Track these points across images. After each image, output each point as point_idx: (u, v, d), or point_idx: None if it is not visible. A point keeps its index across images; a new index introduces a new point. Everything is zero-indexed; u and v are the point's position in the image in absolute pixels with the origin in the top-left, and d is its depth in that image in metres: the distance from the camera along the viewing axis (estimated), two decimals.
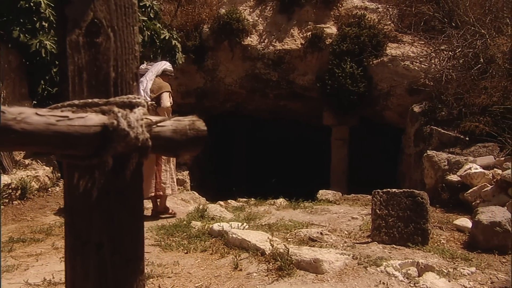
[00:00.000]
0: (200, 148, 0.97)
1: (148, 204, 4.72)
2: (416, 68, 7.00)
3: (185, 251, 3.26)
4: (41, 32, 5.10)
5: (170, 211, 4.64)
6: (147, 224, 3.98)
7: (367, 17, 7.81)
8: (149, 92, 4.36)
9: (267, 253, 2.94)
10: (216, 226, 3.61)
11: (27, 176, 4.90)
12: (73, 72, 0.89)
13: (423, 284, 2.51)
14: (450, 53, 6.62)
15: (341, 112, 7.68)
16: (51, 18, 5.03)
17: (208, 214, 4.32)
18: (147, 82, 4.40)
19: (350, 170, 8.06)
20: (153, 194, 4.43)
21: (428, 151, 5.39)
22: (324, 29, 7.88)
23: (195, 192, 5.98)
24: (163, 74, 4.59)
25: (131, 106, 0.88)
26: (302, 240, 3.37)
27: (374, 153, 8.84)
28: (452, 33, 6.62)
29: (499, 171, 4.29)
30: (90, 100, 0.86)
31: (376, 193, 3.40)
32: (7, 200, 4.56)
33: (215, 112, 8.91)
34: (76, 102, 0.85)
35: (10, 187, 4.61)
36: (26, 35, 5.00)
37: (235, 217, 4.32)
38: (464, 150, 5.48)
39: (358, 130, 8.10)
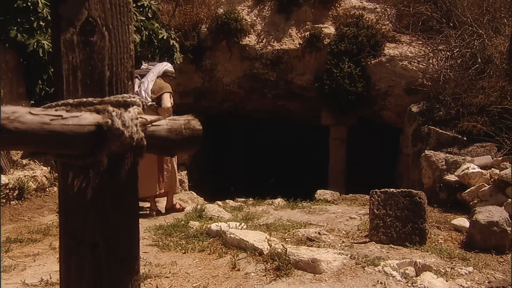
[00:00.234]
0: (196, 148, 0.96)
1: (146, 204, 4.73)
2: (414, 68, 7.01)
3: (183, 251, 3.25)
4: (38, 31, 5.09)
5: (178, 206, 4.71)
6: (145, 224, 3.98)
7: (365, 17, 7.81)
8: (150, 93, 4.38)
9: (265, 253, 2.93)
10: (214, 226, 3.60)
11: (25, 176, 4.89)
12: (67, 71, 0.89)
13: (420, 284, 2.52)
14: (448, 53, 6.63)
15: (339, 112, 7.68)
16: (49, 17, 5.01)
17: (206, 214, 4.32)
18: (148, 83, 4.43)
19: (348, 170, 8.06)
20: (156, 192, 4.50)
21: (426, 151, 5.39)
22: (322, 29, 7.88)
23: (193, 192, 5.98)
24: (164, 75, 4.62)
25: (126, 105, 0.87)
26: (300, 240, 3.37)
27: (372, 153, 8.84)
28: (450, 33, 6.63)
29: (497, 171, 4.30)
30: (84, 99, 0.86)
31: (374, 193, 3.40)
32: (4, 200, 4.54)
33: (213, 112, 8.91)
34: (70, 101, 0.85)
35: (7, 187, 4.60)
36: (24, 34, 4.98)
37: (233, 217, 4.32)
38: (461, 150, 5.48)
39: (356, 130, 8.11)
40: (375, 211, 3.34)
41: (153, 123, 0.90)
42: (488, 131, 5.15)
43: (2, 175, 4.64)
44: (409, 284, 2.53)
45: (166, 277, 2.77)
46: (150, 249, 3.32)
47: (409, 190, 3.41)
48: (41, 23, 5.10)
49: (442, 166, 5.00)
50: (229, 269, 2.84)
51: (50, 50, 4.92)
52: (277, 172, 8.92)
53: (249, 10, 8.32)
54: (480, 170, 4.48)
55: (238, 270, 2.82)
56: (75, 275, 0.91)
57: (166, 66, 4.72)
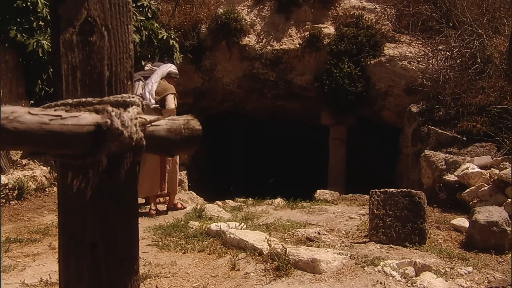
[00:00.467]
0: (195, 147, 0.96)
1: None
2: (414, 68, 7.01)
3: (183, 251, 3.25)
4: (38, 31, 5.09)
5: (179, 206, 4.75)
6: (144, 224, 3.98)
7: (365, 17, 7.81)
8: (154, 94, 4.39)
9: (265, 253, 2.93)
10: (213, 226, 3.60)
11: (24, 176, 4.89)
12: (66, 71, 0.89)
13: (420, 284, 2.52)
14: (448, 53, 6.63)
15: (339, 112, 7.68)
16: (48, 17, 5.01)
17: (205, 214, 4.32)
18: (152, 84, 4.45)
19: (348, 170, 8.06)
20: (158, 192, 4.54)
21: (425, 151, 5.39)
22: (322, 29, 7.88)
23: (193, 192, 5.97)
24: (168, 77, 4.63)
25: (125, 105, 0.87)
26: (300, 240, 3.37)
27: (372, 153, 8.84)
28: (450, 33, 6.63)
29: (496, 171, 4.30)
30: (83, 99, 0.86)
31: (374, 193, 3.40)
32: (4, 200, 4.54)
33: (213, 112, 8.91)
34: (69, 101, 0.85)
35: (7, 187, 4.59)
36: (23, 34, 4.98)
37: (233, 217, 4.32)
38: (461, 150, 5.48)
39: (356, 130, 8.11)
40: (375, 211, 3.34)
41: (153, 123, 0.90)
42: (488, 131, 5.15)
43: (1, 175, 4.64)
44: (409, 284, 2.53)
45: (166, 277, 2.77)
46: (149, 249, 3.32)
47: (408, 190, 3.42)
48: (40, 23, 5.10)
49: (441, 166, 5.00)
50: (229, 269, 2.84)
51: (50, 50, 4.92)
52: (276, 172, 8.92)
53: (248, 10, 8.32)
54: (479, 170, 4.48)
55: (238, 270, 2.82)
56: (74, 275, 0.91)
57: (170, 67, 4.74)
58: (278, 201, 5.22)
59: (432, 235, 3.49)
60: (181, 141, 0.92)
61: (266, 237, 3.13)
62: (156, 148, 0.93)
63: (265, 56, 8.01)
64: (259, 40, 8.11)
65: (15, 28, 4.94)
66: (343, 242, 3.37)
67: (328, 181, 7.85)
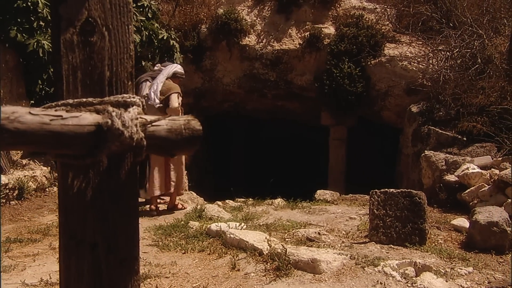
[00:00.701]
0: (196, 148, 0.96)
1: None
2: (414, 68, 7.01)
3: (183, 251, 3.25)
4: (38, 31, 5.09)
5: (179, 206, 4.76)
6: (144, 224, 3.98)
7: (365, 17, 7.82)
8: (159, 94, 4.44)
9: (265, 253, 2.93)
10: (214, 226, 3.60)
11: (25, 176, 4.89)
12: (67, 71, 0.89)
13: (420, 284, 2.51)
14: (448, 54, 6.63)
15: (339, 112, 7.68)
16: (49, 17, 5.01)
17: (206, 214, 4.32)
18: (158, 84, 4.50)
19: (348, 170, 8.06)
20: (163, 191, 4.57)
21: (425, 151, 5.39)
22: (322, 29, 7.89)
23: (193, 192, 5.96)
24: (174, 77, 4.68)
25: (126, 105, 0.87)
26: (300, 240, 3.37)
27: (372, 153, 8.85)
28: (450, 34, 6.63)
29: (497, 171, 4.30)
30: (84, 100, 0.86)
31: (374, 193, 3.40)
32: (4, 200, 4.54)
33: (213, 112, 8.91)
34: (70, 101, 0.85)
35: (7, 187, 4.59)
36: (24, 34, 4.98)
37: (233, 217, 4.32)
38: (461, 150, 5.48)
39: (356, 130, 8.11)
40: (375, 211, 3.34)
41: (153, 123, 0.90)
42: (488, 131, 5.15)
43: (2, 175, 4.64)
44: (409, 285, 2.53)
45: (166, 277, 2.77)
46: (149, 249, 3.32)
47: (409, 190, 3.41)
48: (41, 23, 5.10)
49: (442, 166, 5.00)
50: (229, 269, 2.84)
51: (50, 50, 4.92)
52: (277, 172, 8.92)
53: (249, 10, 8.33)
54: (480, 170, 4.48)
55: (238, 270, 2.82)
56: (74, 275, 0.91)
57: (176, 67, 4.79)
58: (278, 201, 5.22)
59: (432, 236, 3.49)
60: (181, 141, 0.92)
61: (266, 237, 3.13)
62: (156, 149, 0.93)
63: (265, 56, 8.01)
64: (259, 40, 8.11)
65: (15, 28, 4.95)
66: (343, 242, 3.37)
67: (328, 181, 7.85)
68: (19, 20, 5.01)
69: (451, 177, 4.80)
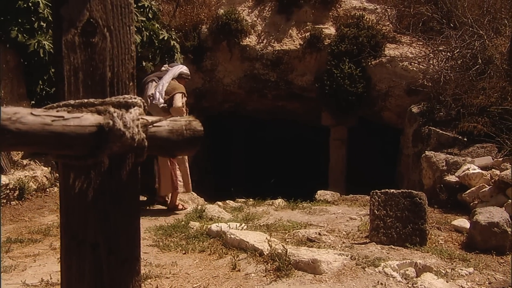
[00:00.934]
0: (197, 149, 0.97)
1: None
2: (415, 68, 7.01)
3: (183, 252, 3.25)
4: (39, 32, 5.09)
5: (180, 207, 4.80)
6: (145, 225, 3.98)
7: (365, 17, 7.81)
8: (163, 94, 4.49)
9: (265, 254, 2.94)
10: (214, 227, 3.60)
11: (25, 176, 4.89)
12: (69, 72, 0.89)
13: (421, 285, 2.51)
14: (448, 54, 6.63)
15: (340, 112, 7.68)
16: (50, 18, 5.02)
17: (206, 214, 4.32)
18: (163, 84, 4.56)
19: (349, 171, 8.06)
20: (171, 191, 4.67)
21: (426, 151, 5.39)
22: (323, 29, 7.89)
23: (193, 193, 5.96)
24: (180, 77, 4.75)
25: (127, 106, 0.87)
26: (300, 241, 3.37)
27: (373, 154, 8.84)
28: (450, 34, 6.63)
29: (497, 172, 4.30)
30: (85, 100, 0.86)
31: (375, 193, 3.40)
32: (5, 201, 4.55)
33: (214, 112, 8.91)
34: (71, 102, 0.85)
35: (8, 187, 4.60)
36: (24, 35, 4.99)
37: (233, 217, 4.32)
38: (462, 150, 5.48)
39: (356, 131, 8.11)
40: (376, 211, 3.34)
41: (154, 124, 0.90)
42: (489, 132, 5.14)
43: (2, 175, 4.64)
44: (410, 285, 2.53)
45: (167, 277, 2.77)
46: (150, 250, 3.32)
47: (409, 190, 3.41)
48: (42, 23, 5.11)
49: (442, 166, 5.00)
50: (230, 270, 2.84)
51: (51, 50, 4.93)
52: (277, 173, 8.92)
53: (249, 10, 8.33)
54: (480, 171, 4.48)
55: (239, 270, 2.82)
56: (76, 276, 0.91)
57: (182, 68, 4.85)
58: (279, 201, 5.22)
59: (432, 236, 3.49)
60: (182, 142, 0.93)
61: (266, 238, 3.14)
62: (157, 149, 0.93)
63: (266, 57, 8.01)
64: (260, 41, 8.11)
65: (16, 28, 4.95)
66: (343, 242, 3.37)
67: (328, 182, 7.85)
68: (20, 20, 5.01)
69: (451, 178, 4.79)
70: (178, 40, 6.90)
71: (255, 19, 8.24)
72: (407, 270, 2.70)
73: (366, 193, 4.69)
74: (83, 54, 0.89)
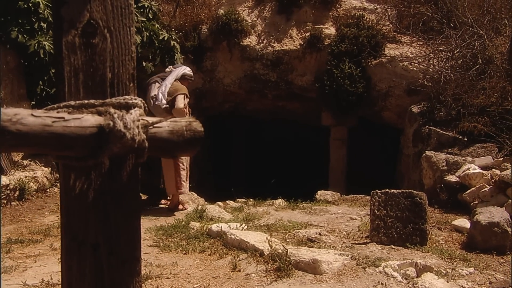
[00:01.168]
0: (197, 149, 0.97)
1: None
2: (415, 68, 7.01)
3: (184, 252, 3.25)
4: (39, 32, 5.10)
5: (180, 207, 4.85)
6: (145, 225, 3.99)
7: (365, 17, 7.81)
8: (166, 95, 4.52)
9: (266, 254, 2.94)
10: (214, 227, 3.60)
11: (26, 177, 4.89)
12: (69, 73, 0.89)
13: (421, 285, 2.51)
14: (449, 54, 6.63)
15: (340, 112, 7.68)
16: (50, 18, 5.02)
17: (206, 214, 4.32)
18: (166, 85, 4.59)
19: (349, 171, 8.06)
20: (175, 191, 4.70)
21: (426, 151, 5.39)
22: (323, 29, 7.89)
23: (193, 193, 5.96)
24: (183, 78, 4.78)
25: (128, 107, 0.88)
26: (301, 241, 3.37)
27: (373, 154, 8.84)
28: (451, 34, 6.63)
29: (498, 172, 4.30)
30: (86, 101, 0.86)
31: (375, 193, 3.40)
32: (5, 201, 4.55)
33: (214, 112, 8.91)
34: (72, 103, 0.85)
35: (8, 188, 4.60)
36: (25, 35, 4.99)
37: (233, 217, 4.32)
38: (462, 150, 5.48)
39: (356, 131, 8.11)
40: (376, 211, 3.34)
41: (155, 125, 0.90)
42: (489, 131, 5.14)
43: (3, 176, 4.64)
44: (410, 285, 2.53)
45: (167, 278, 2.77)
46: (150, 250, 3.32)
47: (409, 190, 3.41)
48: (42, 24, 5.11)
49: (442, 166, 5.00)
50: (230, 270, 2.84)
51: (51, 51, 4.94)
52: (277, 173, 8.92)
53: (249, 10, 8.33)
54: (480, 170, 4.48)
55: (239, 271, 2.82)
56: (76, 276, 0.91)
57: (185, 69, 4.88)
58: (279, 201, 5.22)
59: (433, 236, 3.49)
60: (183, 143, 0.93)
61: (267, 238, 3.14)
62: (158, 150, 0.93)
63: (266, 57, 8.01)
64: (260, 41, 8.11)
65: (16, 29, 4.95)
66: (344, 243, 3.37)
67: (329, 182, 7.85)
68: (20, 21, 5.01)
69: (452, 178, 4.79)
70: (178, 40, 6.91)
71: (255, 19, 8.24)
72: (408, 270, 2.70)
73: (367, 193, 4.69)
74: (83, 55, 0.89)
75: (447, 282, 2.58)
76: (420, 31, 7.19)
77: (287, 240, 3.43)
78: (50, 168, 5.34)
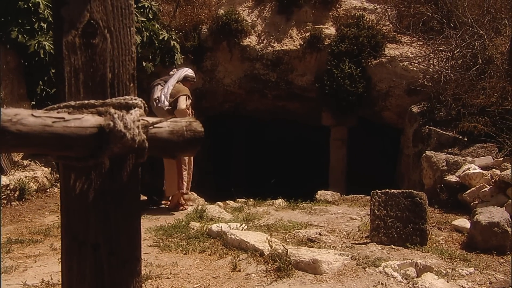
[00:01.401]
0: (197, 149, 0.97)
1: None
2: (415, 68, 7.01)
3: (184, 252, 3.25)
4: (39, 32, 5.10)
5: (181, 207, 4.85)
6: (145, 225, 3.99)
7: (365, 17, 7.82)
8: (168, 97, 4.57)
9: (266, 254, 2.93)
10: (214, 227, 3.60)
11: (26, 177, 4.90)
12: (69, 73, 0.89)
13: (421, 285, 2.51)
14: (449, 54, 6.63)
15: (340, 112, 7.68)
16: (50, 19, 5.02)
17: (206, 214, 4.32)
18: (168, 87, 4.65)
19: (349, 171, 8.06)
20: (176, 191, 4.73)
21: (426, 151, 5.39)
22: (323, 29, 7.89)
23: (193, 193, 5.97)
24: (185, 80, 4.84)
25: (128, 107, 0.88)
26: (301, 241, 3.36)
27: (373, 154, 8.84)
28: (451, 34, 6.63)
29: (498, 172, 4.30)
30: (86, 101, 0.86)
31: (375, 193, 3.40)
32: (5, 201, 4.55)
33: (214, 112, 8.91)
34: (72, 103, 0.85)
35: (8, 188, 4.60)
36: (25, 35, 4.99)
37: (234, 217, 4.32)
38: (462, 150, 5.48)
39: (356, 131, 8.11)
40: (376, 211, 3.34)
41: (155, 125, 0.90)
42: (489, 131, 5.14)
43: (3, 176, 4.65)
44: (410, 285, 2.53)
45: (167, 278, 2.77)
46: (151, 250, 3.32)
47: (409, 190, 3.41)
48: (42, 24, 5.11)
49: (442, 166, 5.00)
50: (230, 270, 2.84)
51: (51, 51, 4.94)
52: (277, 173, 8.92)
53: (249, 10, 8.33)
54: (481, 170, 4.48)
55: (239, 271, 2.82)
56: (76, 276, 0.91)
57: (187, 71, 4.94)
58: (279, 201, 5.22)
59: (433, 236, 3.49)
60: (183, 143, 0.93)
61: (267, 238, 3.13)
62: (158, 150, 0.93)
63: (266, 57, 8.02)
64: (260, 41, 8.12)
65: (16, 29, 4.95)
66: (344, 243, 3.37)
67: (329, 182, 7.85)
68: (20, 21, 5.01)
69: (452, 178, 4.79)
70: (178, 41, 6.91)
71: (255, 19, 8.24)
72: (408, 270, 2.70)
73: (367, 193, 4.69)
74: (83, 55, 0.89)
75: (447, 282, 2.58)
76: (420, 31, 7.19)
77: (287, 240, 3.43)
78: (50, 168, 5.34)
